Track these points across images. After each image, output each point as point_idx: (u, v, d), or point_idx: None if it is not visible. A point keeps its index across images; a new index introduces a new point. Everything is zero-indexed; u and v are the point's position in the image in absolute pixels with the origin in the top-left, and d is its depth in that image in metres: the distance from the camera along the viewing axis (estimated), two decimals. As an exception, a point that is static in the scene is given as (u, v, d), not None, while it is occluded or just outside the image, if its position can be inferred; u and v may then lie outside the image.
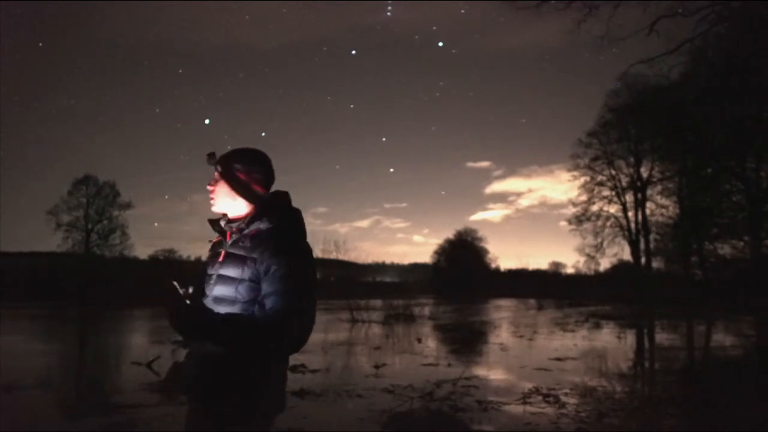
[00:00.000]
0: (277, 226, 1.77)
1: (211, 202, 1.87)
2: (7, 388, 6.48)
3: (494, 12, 46.63)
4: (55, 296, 27.60)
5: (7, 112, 56.09)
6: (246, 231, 1.78)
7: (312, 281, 1.75)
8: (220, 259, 1.79)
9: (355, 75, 66.31)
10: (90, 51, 61.18)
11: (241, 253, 1.74)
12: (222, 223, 1.88)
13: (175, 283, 1.61)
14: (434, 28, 65.24)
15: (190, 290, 1.59)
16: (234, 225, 1.82)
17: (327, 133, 66.43)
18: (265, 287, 1.68)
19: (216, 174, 1.85)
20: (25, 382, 6.97)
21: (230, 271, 1.73)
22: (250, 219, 1.79)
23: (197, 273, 1.92)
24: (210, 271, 1.82)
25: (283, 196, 1.88)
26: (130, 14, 58.62)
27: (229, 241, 1.81)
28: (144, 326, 16.83)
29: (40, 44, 55.79)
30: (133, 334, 15.18)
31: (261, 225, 1.77)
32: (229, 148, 1.92)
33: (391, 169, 62.12)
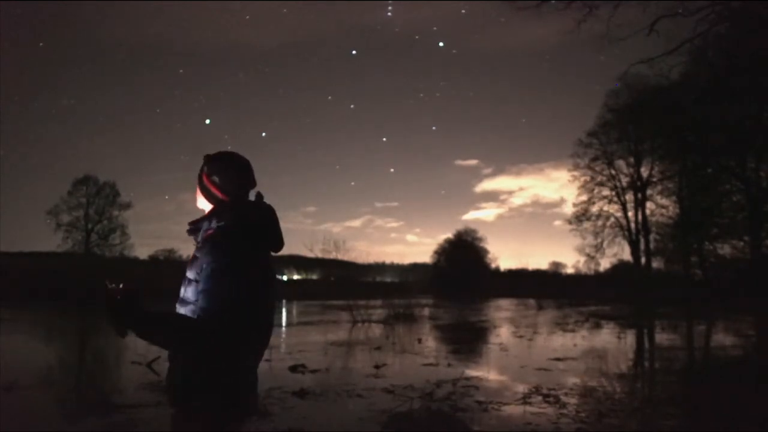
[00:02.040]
0: (226, 225, 1.77)
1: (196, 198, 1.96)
2: (7, 388, 6.48)
3: (494, 12, 46.74)
4: (55, 296, 27.58)
5: (7, 112, 56.16)
6: (201, 232, 1.83)
7: (246, 279, 1.70)
8: (189, 261, 1.84)
9: (355, 75, 66.42)
10: (90, 51, 61.31)
11: (196, 253, 1.78)
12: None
13: (107, 282, 1.60)
14: (434, 28, 65.39)
15: (121, 286, 1.59)
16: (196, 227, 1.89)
17: (327, 133, 66.55)
18: (200, 285, 1.70)
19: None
20: (25, 382, 6.97)
21: (188, 272, 1.77)
22: (203, 220, 1.85)
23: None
24: None
25: (238, 198, 1.87)
26: (130, 14, 58.69)
27: (197, 244, 1.86)
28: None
29: (41, 44, 55.89)
30: (133, 334, 15.16)
31: (213, 225, 1.80)
32: (229, 148, 1.98)
33: (392, 169, 62.18)
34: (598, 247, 38.34)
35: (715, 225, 30.66)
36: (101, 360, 10.51)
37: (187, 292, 1.74)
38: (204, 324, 1.63)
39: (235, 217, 1.79)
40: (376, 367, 8.18)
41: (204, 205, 1.91)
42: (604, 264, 39.75)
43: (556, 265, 50.11)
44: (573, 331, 15.23)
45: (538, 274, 47.64)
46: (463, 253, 48.15)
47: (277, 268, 2.03)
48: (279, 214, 1.90)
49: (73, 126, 57.81)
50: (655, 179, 36.61)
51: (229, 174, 1.87)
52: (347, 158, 68.27)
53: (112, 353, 11.20)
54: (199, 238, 1.83)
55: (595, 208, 38.48)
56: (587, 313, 22.37)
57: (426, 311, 21.05)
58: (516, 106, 66.72)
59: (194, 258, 1.77)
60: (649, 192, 37.05)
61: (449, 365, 8.55)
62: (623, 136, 36.82)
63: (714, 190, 30.12)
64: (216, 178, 1.86)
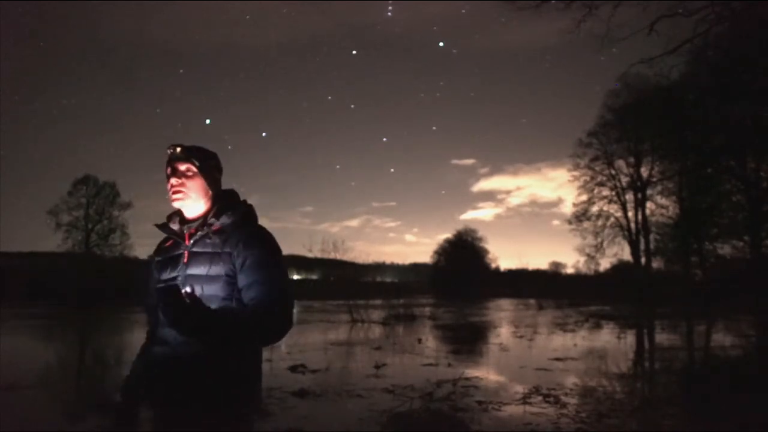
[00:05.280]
0: (240, 218, 1.80)
1: (179, 197, 1.80)
2: (7, 388, 6.48)
3: (494, 12, 46.69)
4: (55, 296, 27.58)
5: (7, 112, 56.16)
6: (206, 228, 1.77)
7: (285, 267, 1.80)
8: (185, 260, 1.76)
9: (355, 75, 66.42)
10: (90, 51, 61.21)
11: (210, 249, 1.73)
12: (174, 225, 1.85)
13: (180, 286, 1.61)
14: (434, 28, 65.37)
15: (188, 289, 1.58)
16: (193, 225, 1.80)
17: (327, 133, 66.59)
18: (244, 278, 1.68)
19: (192, 168, 1.80)
20: (25, 382, 6.97)
21: (201, 270, 1.71)
22: (214, 214, 1.79)
23: (147, 280, 1.90)
24: (171, 274, 1.77)
25: (233, 192, 1.92)
26: (130, 14, 58.68)
27: (191, 241, 1.78)
28: (143, 326, 16.83)
29: (41, 44, 55.89)
30: (133, 333, 15.17)
31: (225, 220, 1.77)
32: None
33: (392, 169, 62.16)
34: (598, 247, 38.32)
35: (715, 225, 30.64)
36: (101, 360, 10.51)
37: (211, 289, 1.68)
38: (266, 314, 1.63)
39: (243, 210, 1.83)
40: (376, 367, 8.19)
41: (196, 203, 1.82)
42: (604, 264, 39.73)
43: (556, 265, 50.20)
44: (573, 331, 15.23)
45: (538, 274, 47.71)
46: (463, 253, 48.18)
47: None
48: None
49: (73, 126, 57.76)
50: (655, 179, 36.59)
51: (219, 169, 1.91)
52: (347, 158, 68.21)
53: (113, 353, 11.21)
54: (201, 234, 1.76)
55: (595, 208, 38.48)
56: (587, 313, 22.37)
57: (426, 311, 21.07)
58: (515, 105, 66.77)
59: (202, 254, 1.72)
60: (649, 192, 37.03)
61: (449, 365, 8.55)
62: (623, 136, 36.82)
63: (714, 190, 30.10)
64: (220, 173, 1.89)
